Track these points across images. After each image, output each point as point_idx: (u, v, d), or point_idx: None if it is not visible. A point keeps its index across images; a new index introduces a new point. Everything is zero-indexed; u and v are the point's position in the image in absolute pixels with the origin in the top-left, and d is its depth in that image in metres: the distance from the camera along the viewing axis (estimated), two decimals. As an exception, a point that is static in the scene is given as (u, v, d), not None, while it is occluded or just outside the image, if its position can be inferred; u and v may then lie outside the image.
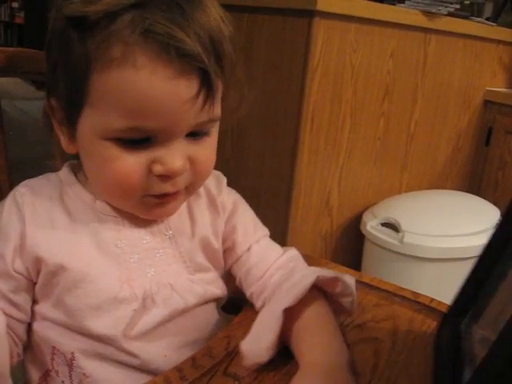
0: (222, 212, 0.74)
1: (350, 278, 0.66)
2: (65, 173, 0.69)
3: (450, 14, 1.98)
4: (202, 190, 0.73)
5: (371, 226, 1.87)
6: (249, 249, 0.74)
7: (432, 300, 0.78)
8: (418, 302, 0.78)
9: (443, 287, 1.59)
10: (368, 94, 1.87)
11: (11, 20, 8.38)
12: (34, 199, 0.65)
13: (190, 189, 0.66)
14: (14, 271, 0.62)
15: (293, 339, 0.62)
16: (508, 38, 2.33)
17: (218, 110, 0.62)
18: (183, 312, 0.67)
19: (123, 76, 0.54)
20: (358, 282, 0.81)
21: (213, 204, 0.74)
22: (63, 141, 0.64)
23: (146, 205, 0.63)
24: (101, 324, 0.63)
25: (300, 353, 0.60)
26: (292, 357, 0.61)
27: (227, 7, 0.64)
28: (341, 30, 1.69)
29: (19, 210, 0.63)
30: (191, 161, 0.62)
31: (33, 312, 0.66)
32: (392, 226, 1.83)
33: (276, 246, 0.77)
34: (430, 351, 0.67)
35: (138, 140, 0.58)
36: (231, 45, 0.61)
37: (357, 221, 1.99)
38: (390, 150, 2.04)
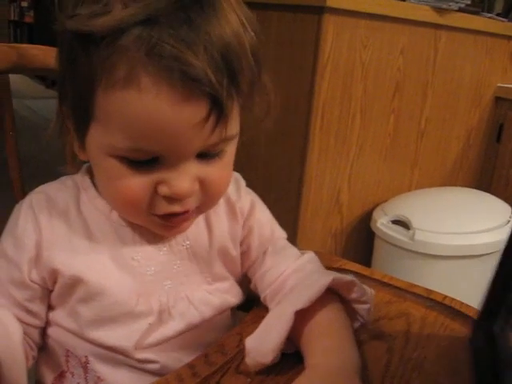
0: (240, 217, 0.72)
1: (368, 288, 0.66)
2: (82, 178, 0.66)
3: (460, 10, 1.96)
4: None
5: (381, 223, 1.86)
6: (265, 252, 0.72)
7: (445, 297, 0.78)
8: (431, 299, 0.77)
9: (454, 284, 1.59)
10: (378, 91, 1.86)
11: (21, 19, 8.43)
12: (49, 207, 0.63)
13: (203, 208, 0.63)
14: (30, 281, 0.61)
15: (303, 341, 0.60)
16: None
17: (232, 129, 0.57)
18: (200, 324, 0.67)
19: (126, 98, 0.51)
20: (370, 279, 0.81)
21: (232, 211, 0.71)
22: (75, 146, 0.62)
23: (155, 223, 0.61)
24: (113, 336, 0.62)
25: (307, 355, 0.59)
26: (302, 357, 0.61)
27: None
28: (351, 26, 1.68)
29: (35, 218, 0.62)
30: (202, 182, 0.59)
31: (47, 317, 0.65)
32: (403, 224, 1.82)
33: (293, 249, 0.75)
34: (443, 349, 0.66)
35: (143, 161, 0.55)
36: (253, 54, 0.56)
37: (367, 218, 1.98)
38: (401, 147, 2.03)
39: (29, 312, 0.63)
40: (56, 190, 0.66)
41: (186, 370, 0.57)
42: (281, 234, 0.76)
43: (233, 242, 0.71)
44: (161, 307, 0.64)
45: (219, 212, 0.70)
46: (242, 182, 0.75)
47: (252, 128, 0.64)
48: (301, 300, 0.59)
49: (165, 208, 0.58)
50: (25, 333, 0.62)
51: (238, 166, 2.02)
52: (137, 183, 0.56)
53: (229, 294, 0.71)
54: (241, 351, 0.61)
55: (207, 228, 0.69)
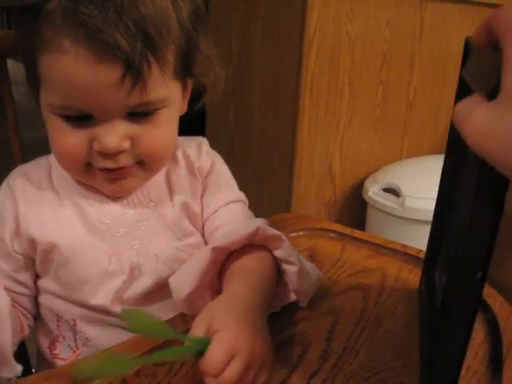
0: (199, 176, 0.76)
1: (310, 265, 0.69)
2: (53, 155, 0.73)
3: (444, -20, 2.00)
4: (180, 157, 0.76)
5: (373, 191, 1.92)
6: (217, 210, 0.76)
7: (420, 251, 0.84)
8: (407, 254, 0.84)
9: (443, 248, 1.64)
10: (365, 63, 1.90)
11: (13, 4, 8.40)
12: (25, 183, 0.71)
13: (146, 165, 0.68)
14: (14, 252, 0.69)
15: (225, 278, 0.63)
16: (505, 1, 2.35)
17: (157, 93, 0.63)
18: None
19: (53, 59, 0.59)
20: (351, 237, 0.87)
21: (191, 170, 0.76)
22: (39, 110, 0.69)
23: (97, 179, 0.68)
24: (93, 295, 0.68)
25: (224, 286, 0.62)
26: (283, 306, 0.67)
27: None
28: (336, 1, 1.72)
29: (12, 194, 0.70)
30: (134, 140, 0.64)
31: (37, 286, 0.72)
32: (393, 191, 1.88)
33: (247, 213, 0.77)
34: (415, 295, 0.73)
35: (76, 117, 0.62)
36: (183, 26, 0.64)
37: (359, 188, 2.04)
38: (390, 117, 2.08)
39: (17, 282, 0.70)
40: (31, 168, 0.73)
41: (178, 318, 0.63)
42: (238, 196, 0.79)
43: (194, 198, 0.75)
44: (131, 265, 0.69)
45: (179, 172, 0.76)
46: (205, 146, 0.80)
47: (207, 94, 0.73)
48: (222, 240, 0.63)
49: (100, 162, 0.65)
50: (17, 302, 0.69)
51: (234, 142, 2.10)
52: (74, 138, 0.63)
53: (197, 248, 0.73)
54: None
55: (168, 188, 0.75)
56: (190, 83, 0.72)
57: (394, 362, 0.60)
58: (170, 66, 0.64)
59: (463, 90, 0.55)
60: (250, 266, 0.63)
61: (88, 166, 0.66)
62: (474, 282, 0.44)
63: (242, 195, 0.80)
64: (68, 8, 0.57)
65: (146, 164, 0.68)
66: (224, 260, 0.64)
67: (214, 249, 0.62)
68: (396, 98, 2.07)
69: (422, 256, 0.82)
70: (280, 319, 0.65)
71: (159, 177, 0.74)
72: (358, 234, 0.88)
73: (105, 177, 0.67)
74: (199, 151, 0.78)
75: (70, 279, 0.69)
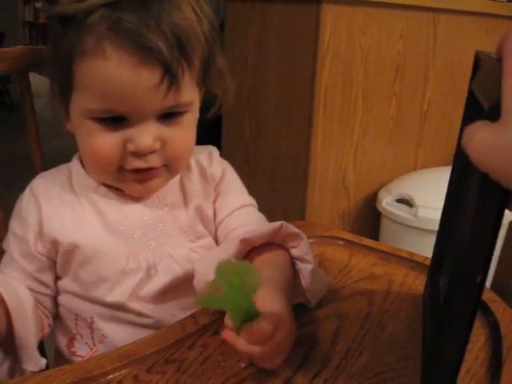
0: (211, 182, 0.81)
1: (318, 269, 0.73)
2: (73, 162, 0.78)
3: (457, -7, 2.02)
4: (193, 164, 0.81)
5: (386, 202, 1.93)
6: (231, 214, 0.80)
7: (426, 258, 0.86)
8: (413, 261, 0.86)
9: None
10: (379, 75, 1.93)
11: (35, 20, 8.56)
12: (47, 188, 0.75)
13: (170, 168, 0.74)
14: (37, 253, 0.73)
15: None
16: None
17: (186, 96, 0.69)
18: (185, 278, 0.75)
19: (95, 65, 0.64)
20: (359, 245, 0.90)
21: (203, 176, 0.81)
22: (64, 119, 0.74)
23: (126, 181, 0.72)
24: (111, 293, 0.73)
25: None
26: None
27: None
28: (349, 14, 1.75)
29: (36, 198, 0.74)
30: (163, 141, 0.70)
31: (57, 287, 0.76)
32: (406, 202, 1.89)
33: (260, 216, 0.83)
34: (420, 300, 0.75)
35: (113, 119, 0.67)
36: (205, 38, 0.70)
37: (373, 198, 2.06)
38: (404, 129, 2.10)
39: (40, 282, 0.74)
40: (52, 174, 0.78)
41: (189, 319, 0.66)
42: (249, 201, 0.84)
43: (206, 202, 0.80)
44: (148, 264, 0.74)
45: (192, 177, 0.80)
46: (216, 154, 0.85)
47: (217, 102, 0.79)
48: (248, 234, 0.67)
49: (132, 163, 0.69)
50: (39, 302, 0.74)
51: (249, 153, 2.15)
52: (108, 140, 0.68)
53: (210, 249, 0.79)
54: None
55: (182, 193, 0.79)
56: (201, 92, 0.77)
57: (396, 363, 0.62)
58: (196, 72, 0.70)
59: (472, 103, 0.58)
60: (272, 259, 0.68)
61: (119, 169, 0.70)
62: (473, 285, 0.46)
63: (253, 200, 0.84)
64: (111, 17, 0.62)
65: (171, 166, 0.73)
66: (245, 254, 0.68)
67: (242, 240, 0.66)
68: (410, 110, 2.09)
69: (428, 263, 0.84)
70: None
71: (174, 183, 0.79)
72: (366, 241, 0.91)
73: (134, 178, 0.72)
74: (210, 159, 0.83)
75: (90, 278, 0.73)
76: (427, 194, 1.88)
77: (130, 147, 0.68)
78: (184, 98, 0.69)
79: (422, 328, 0.68)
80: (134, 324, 0.74)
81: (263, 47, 1.93)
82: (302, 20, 1.75)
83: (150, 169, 0.71)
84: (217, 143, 2.16)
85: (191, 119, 0.74)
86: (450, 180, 0.69)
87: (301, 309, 0.70)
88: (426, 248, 1.84)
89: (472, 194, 0.48)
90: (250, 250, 0.68)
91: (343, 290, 0.77)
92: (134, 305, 0.73)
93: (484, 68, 0.51)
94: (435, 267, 0.72)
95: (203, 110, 0.78)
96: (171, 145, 0.71)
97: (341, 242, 0.90)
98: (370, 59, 1.87)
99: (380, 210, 1.97)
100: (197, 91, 0.73)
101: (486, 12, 2.20)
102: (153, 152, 0.69)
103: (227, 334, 0.56)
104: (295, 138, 1.86)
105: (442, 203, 1.98)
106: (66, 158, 0.80)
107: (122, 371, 0.57)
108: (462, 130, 0.64)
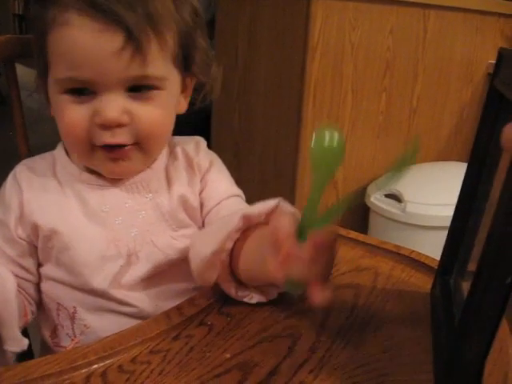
0: (198, 172, 0.80)
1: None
2: (58, 150, 0.78)
3: (448, -11, 2.03)
4: (180, 153, 0.80)
5: (375, 197, 1.94)
6: (219, 203, 0.79)
7: (412, 251, 0.86)
8: (399, 254, 0.86)
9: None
10: (369, 70, 1.93)
11: (25, 13, 8.50)
12: (29, 174, 0.75)
13: (143, 147, 0.71)
14: (18, 237, 0.72)
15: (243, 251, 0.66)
16: (509, 10, 2.37)
17: (156, 69, 0.68)
18: (167, 266, 0.75)
19: (60, 32, 0.65)
20: (346, 238, 0.90)
21: (190, 165, 0.80)
22: (47, 104, 0.74)
23: (99, 159, 0.71)
24: (92, 279, 0.72)
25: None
26: (277, 300, 0.69)
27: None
28: (339, 8, 1.75)
29: (18, 184, 0.74)
30: (131, 115, 0.68)
31: (39, 274, 0.76)
32: (395, 197, 1.90)
33: (245, 205, 0.81)
34: (405, 293, 0.75)
35: (79, 90, 0.67)
36: (182, 15, 0.69)
37: (362, 193, 2.06)
38: (394, 124, 2.11)
39: (21, 267, 0.73)
40: (35, 161, 0.78)
41: (174, 310, 0.66)
42: (237, 191, 0.82)
43: (192, 193, 0.79)
44: (129, 251, 0.73)
45: (178, 166, 0.79)
46: (203, 144, 0.84)
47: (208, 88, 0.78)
48: (248, 210, 0.66)
49: (101, 138, 0.68)
50: (21, 287, 0.73)
51: (239, 149, 2.14)
52: (77, 113, 0.67)
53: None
54: (217, 300, 0.70)
55: (167, 180, 0.78)
56: (190, 82, 0.76)
57: (381, 354, 0.62)
58: (169, 48, 0.68)
59: (494, 100, 0.58)
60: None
61: (91, 147, 0.69)
62: (502, 286, 0.45)
63: (240, 192, 0.83)
64: None
65: (143, 146, 0.71)
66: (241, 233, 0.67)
67: (243, 216, 0.65)
68: (399, 106, 2.10)
69: (414, 256, 0.85)
70: (272, 313, 0.68)
71: (158, 170, 0.78)
72: (352, 234, 0.91)
73: (106, 156, 0.70)
74: (197, 148, 0.82)
75: (71, 264, 0.72)
76: (416, 190, 1.89)
77: (97, 119, 0.67)
78: (152, 71, 0.67)
79: (431, 327, 0.67)
80: (117, 313, 0.73)
81: (253, 41, 1.93)
82: (292, 14, 1.75)
83: (121, 146, 0.69)
84: (206, 137, 2.16)
85: (166, 99, 0.71)
86: (465, 179, 0.68)
87: (286, 302, 0.70)
88: (414, 243, 1.85)
89: (506, 194, 0.47)
90: (247, 228, 0.67)
91: (329, 283, 0.77)
92: (116, 293, 0.73)
93: (509, 64, 0.50)
94: (445, 266, 0.72)
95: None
96: (141, 121, 0.68)
97: (328, 235, 0.90)
98: (360, 54, 1.87)
99: (369, 204, 1.98)
100: (174, 72, 0.71)
101: (476, 9, 2.21)
102: (121, 126, 0.68)
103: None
104: (285, 132, 1.86)
105: (431, 199, 1.99)
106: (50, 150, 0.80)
107: (107, 361, 0.57)
108: (481, 127, 0.65)
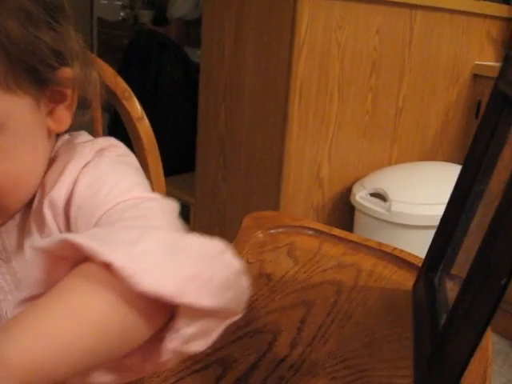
0: (51, 210, 0.55)
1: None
2: None
3: (434, -10, 2.04)
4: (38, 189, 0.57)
5: (360, 196, 1.94)
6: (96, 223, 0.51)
7: (394, 249, 0.86)
8: (382, 251, 0.86)
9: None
10: (355, 70, 1.93)
11: None
12: None
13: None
14: None
15: None
16: (495, 12, 2.38)
17: None
18: None
19: None
20: (328, 235, 0.90)
21: (40, 204, 0.56)
22: None
23: None
24: None
25: None
26: (258, 296, 0.69)
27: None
28: (326, 7, 1.75)
29: None
30: None
31: None
32: (380, 196, 1.90)
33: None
34: (387, 290, 0.75)
35: None
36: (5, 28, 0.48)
37: (348, 193, 2.06)
38: (380, 124, 2.11)
39: None
40: None
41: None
42: (116, 198, 0.51)
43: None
44: None
45: (32, 209, 0.57)
46: (75, 161, 0.56)
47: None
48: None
49: None
50: None
51: (225, 146, 2.14)
52: None
53: None
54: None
55: (19, 233, 0.58)
56: (63, 94, 0.55)
57: (361, 350, 0.62)
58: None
59: (497, 101, 0.58)
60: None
61: None
62: (497, 288, 0.45)
63: (128, 191, 0.54)
64: None
65: None
66: None
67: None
68: (385, 105, 2.11)
69: (397, 253, 0.85)
70: (253, 309, 0.68)
71: (14, 220, 0.58)
72: (335, 231, 0.91)
73: None
74: (61, 172, 0.56)
75: None
76: (401, 189, 1.90)
77: None
78: None
79: (412, 324, 0.68)
80: None
81: (240, 40, 1.93)
82: (278, 12, 1.75)
83: None
84: (192, 136, 2.16)
85: (7, 144, 0.50)
86: (460, 177, 0.68)
87: (267, 298, 0.70)
88: (398, 242, 1.85)
89: (508, 195, 0.47)
90: None
91: (312, 278, 0.77)
92: None
93: None
94: (430, 264, 0.72)
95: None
96: None
97: (311, 232, 0.90)
98: (347, 54, 1.88)
99: (354, 204, 1.98)
100: (12, 100, 0.50)
101: (462, 10, 2.22)
102: None
103: None
104: (270, 131, 1.86)
105: (416, 198, 1.99)
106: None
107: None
108: (482, 127, 0.65)
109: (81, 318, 0.34)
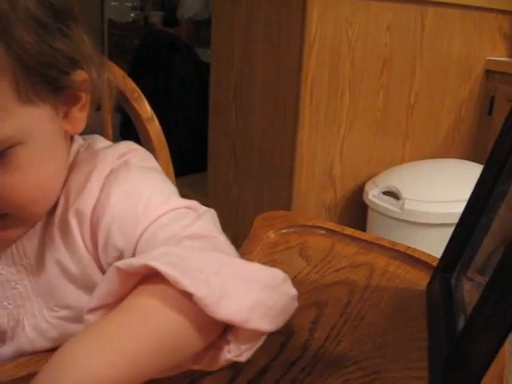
0: (79, 221, 0.57)
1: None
2: None
3: (445, -14, 2.02)
4: (62, 198, 0.58)
5: (373, 194, 1.93)
6: (135, 248, 0.53)
7: (408, 248, 0.85)
8: (395, 250, 0.85)
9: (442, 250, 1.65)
10: (366, 67, 1.92)
11: None
12: None
13: (19, 216, 0.54)
14: None
15: None
16: (507, 7, 2.36)
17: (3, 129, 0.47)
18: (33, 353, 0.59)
19: None
20: (341, 234, 0.89)
21: (65, 215, 0.57)
22: None
23: None
24: None
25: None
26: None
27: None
28: (336, 5, 1.74)
29: None
30: None
31: None
32: (393, 194, 1.89)
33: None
34: (401, 290, 0.74)
35: None
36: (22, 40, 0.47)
37: (360, 191, 2.05)
38: (391, 121, 2.10)
39: None
40: None
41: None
42: (157, 211, 0.54)
43: (70, 253, 0.57)
44: (2, 327, 0.60)
45: (55, 220, 0.58)
46: (97, 169, 0.58)
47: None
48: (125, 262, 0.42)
49: None
50: None
51: (236, 146, 2.13)
52: None
53: (75, 323, 0.59)
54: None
55: (40, 241, 0.59)
56: (75, 96, 0.56)
57: (375, 352, 0.61)
58: (11, 86, 0.48)
59: None
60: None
61: None
62: None
63: (164, 204, 0.56)
64: None
65: (17, 214, 0.53)
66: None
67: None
68: (397, 103, 2.09)
69: (410, 252, 0.84)
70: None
71: (36, 227, 0.58)
72: (348, 230, 0.90)
73: None
74: (84, 183, 0.57)
75: None
76: (414, 187, 1.88)
77: None
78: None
79: (427, 324, 0.66)
80: None
81: (249, 39, 1.92)
82: (288, 11, 1.74)
83: None
84: (204, 135, 2.16)
85: (30, 153, 0.51)
86: (481, 177, 0.67)
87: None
88: (412, 240, 1.84)
89: None
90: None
91: (324, 278, 0.76)
92: None
93: None
94: (447, 264, 0.71)
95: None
96: (6, 194, 0.50)
97: (323, 232, 0.89)
98: (357, 51, 1.86)
99: (366, 202, 1.97)
100: (31, 111, 0.50)
101: (473, 5, 2.20)
102: None
103: None
104: (282, 130, 1.85)
105: (429, 196, 1.98)
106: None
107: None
108: (506, 126, 0.64)
109: (159, 341, 0.40)
